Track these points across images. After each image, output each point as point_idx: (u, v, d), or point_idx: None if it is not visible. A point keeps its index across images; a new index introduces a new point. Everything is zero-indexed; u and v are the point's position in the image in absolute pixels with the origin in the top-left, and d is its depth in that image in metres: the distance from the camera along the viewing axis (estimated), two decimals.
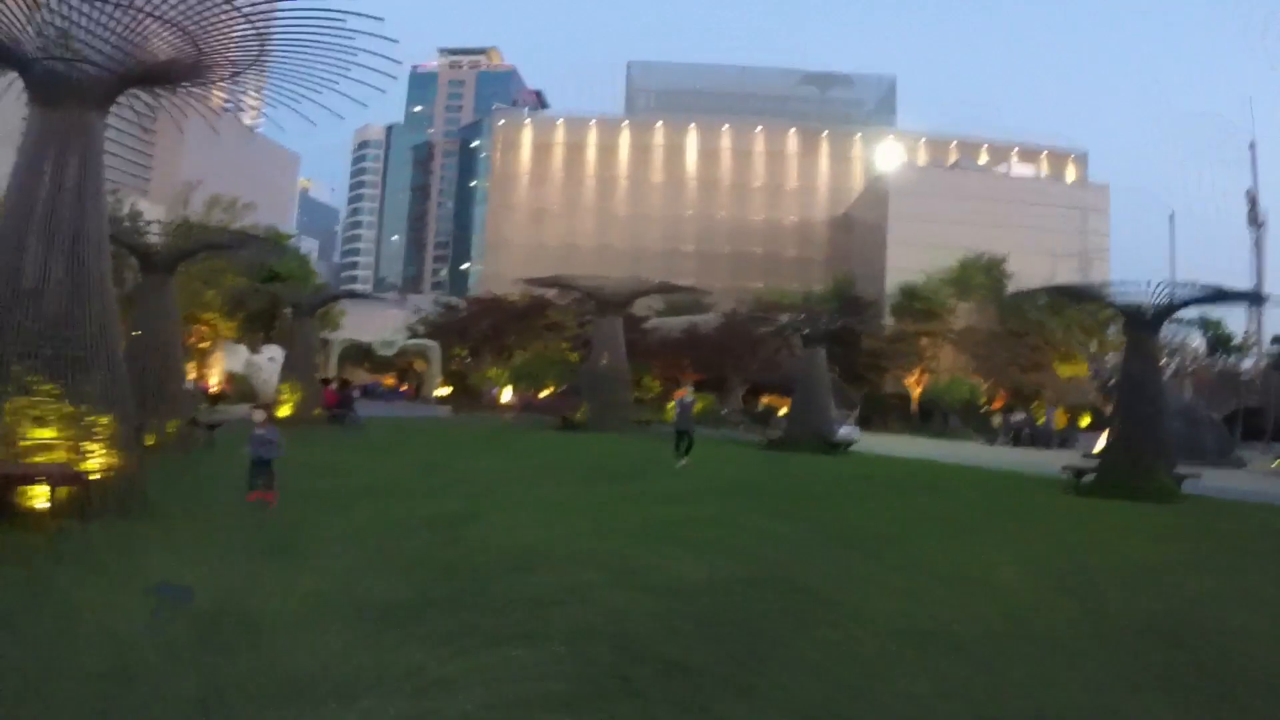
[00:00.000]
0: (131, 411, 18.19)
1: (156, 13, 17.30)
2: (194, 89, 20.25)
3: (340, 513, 17.80)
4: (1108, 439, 32.49)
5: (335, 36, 18.03)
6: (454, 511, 18.47)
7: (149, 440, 27.35)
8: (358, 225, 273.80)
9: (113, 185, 60.10)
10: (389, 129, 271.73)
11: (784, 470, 32.15)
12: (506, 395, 78.97)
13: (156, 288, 30.52)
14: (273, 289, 58.84)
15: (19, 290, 16.57)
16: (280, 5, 19.36)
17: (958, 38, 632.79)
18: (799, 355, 52.11)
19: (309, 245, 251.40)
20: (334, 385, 52.43)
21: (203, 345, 63.67)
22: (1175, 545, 19.32)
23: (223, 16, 17.96)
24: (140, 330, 29.84)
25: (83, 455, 16.45)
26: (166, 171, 77.19)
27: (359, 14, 17.20)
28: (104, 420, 16.89)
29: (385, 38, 18.13)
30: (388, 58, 18.18)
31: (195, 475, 22.85)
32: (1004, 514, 23.61)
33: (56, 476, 15.81)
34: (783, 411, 55.06)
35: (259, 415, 19.07)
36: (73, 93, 17.68)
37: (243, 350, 68.48)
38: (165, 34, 18.21)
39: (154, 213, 49.44)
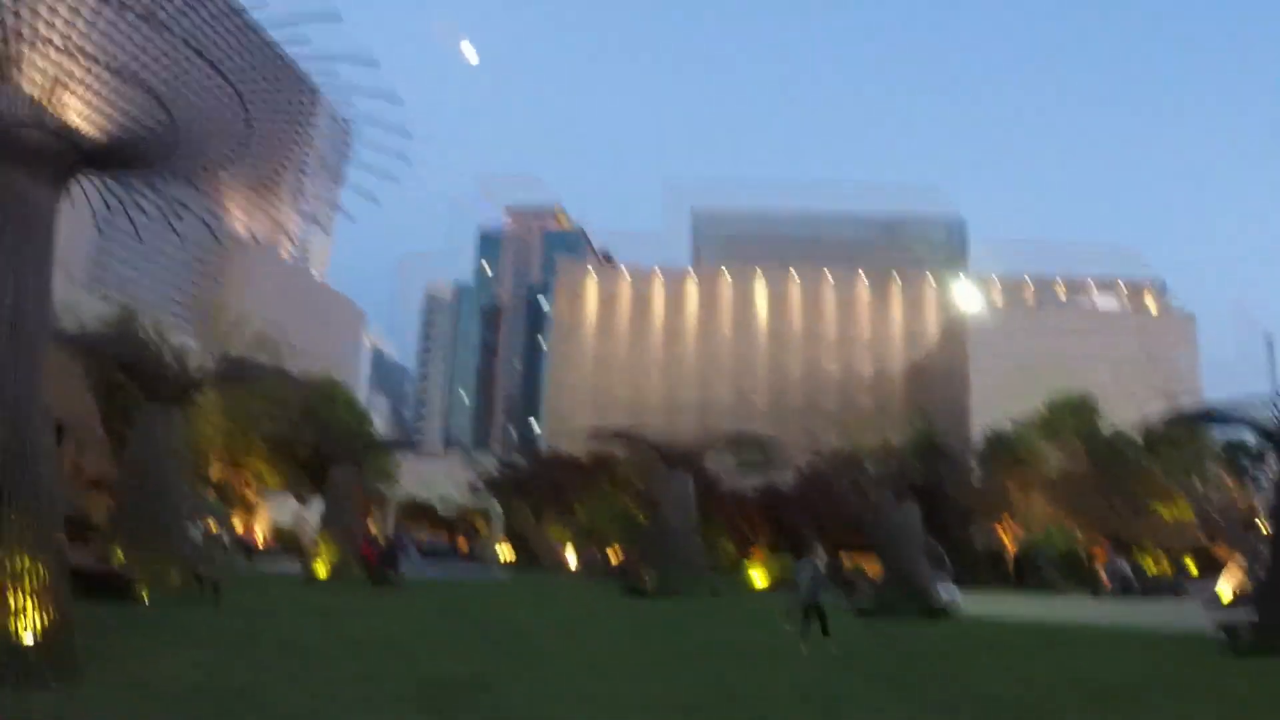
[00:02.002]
0: (62, 558, 14.38)
1: (122, 70, 14.06)
2: (170, 179, 16.80)
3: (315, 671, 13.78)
4: (1260, 583, 27.90)
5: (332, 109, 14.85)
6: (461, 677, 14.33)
7: (144, 591, 23.74)
8: (427, 383, 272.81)
9: (158, 320, 57.87)
10: (457, 287, 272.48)
11: (886, 642, 27.36)
12: (570, 556, 74.90)
13: (159, 419, 26.80)
14: (308, 438, 55.14)
15: None
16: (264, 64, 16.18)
17: (1023, 172, 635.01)
18: (886, 512, 47.87)
19: (379, 402, 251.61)
20: (375, 539, 48.49)
21: (248, 494, 60.44)
22: None
23: (201, 78, 14.61)
24: (136, 466, 26.30)
25: None
26: (230, 320, 75.17)
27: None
28: (22, 566, 13.14)
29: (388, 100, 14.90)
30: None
31: (170, 635, 18.82)
32: (1169, 691, 19.00)
33: None
34: (870, 569, 50.41)
35: None
36: (10, 155, 14.25)
37: (291, 502, 65.07)
38: (135, 103, 14.91)
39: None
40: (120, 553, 25.17)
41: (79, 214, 17.45)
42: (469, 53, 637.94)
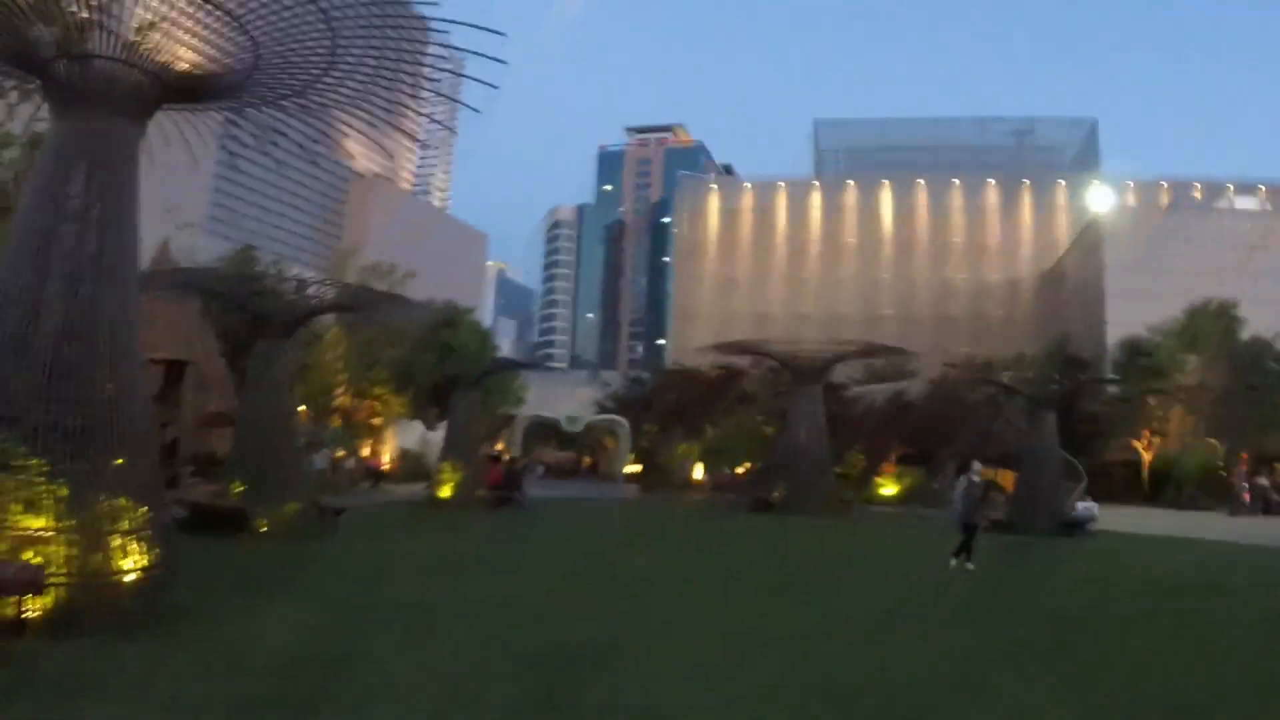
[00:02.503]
0: (159, 498, 14.10)
1: None
2: (256, 109, 16.31)
3: (427, 641, 13.18)
4: None
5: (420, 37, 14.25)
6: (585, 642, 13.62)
7: (260, 525, 23.69)
8: (553, 305, 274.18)
9: (277, 257, 58.38)
10: (580, 209, 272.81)
11: (1030, 570, 25.80)
12: (698, 473, 74.39)
13: (270, 353, 26.61)
14: (431, 363, 55.14)
15: (4, 335, 12.66)
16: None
17: (1157, 73, 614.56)
18: (1020, 424, 46.30)
19: (506, 326, 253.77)
20: (502, 462, 48.44)
21: (374, 421, 60.88)
22: None
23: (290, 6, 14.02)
24: (251, 399, 26.20)
25: (90, 552, 12.42)
26: (348, 251, 75.65)
27: None
28: (119, 507, 12.84)
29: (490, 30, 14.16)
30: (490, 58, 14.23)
31: (281, 571, 18.55)
32: None
33: (8, 581, 11.48)
34: (1003, 482, 48.99)
35: None
36: (97, 97, 13.87)
37: (417, 427, 65.39)
38: (217, 32, 14.45)
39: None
40: (237, 486, 25.10)
41: (199, 155, 17.24)
42: None
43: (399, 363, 57.54)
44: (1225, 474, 62.95)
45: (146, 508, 13.33)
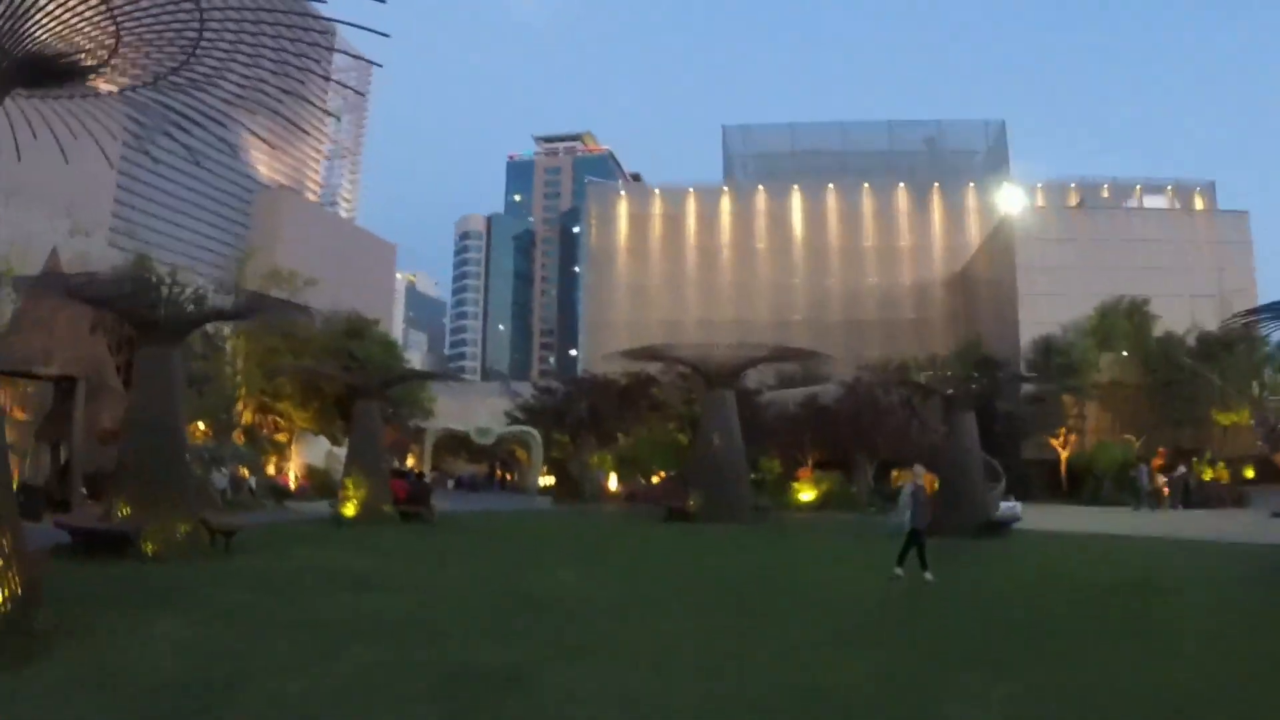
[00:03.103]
0: (13, 516, 12.67)
1: None
2: (117, 91, 14.92)
3: (319, 660, 11.90)
4: None
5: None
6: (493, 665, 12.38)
7: (148, 547, 22.15)
8: (463, 316, 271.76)
9: (174, 266, 56.33)
10: (489, 219, 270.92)
11: (965, 575, 24.71)
12: (613, 483, 73.36)
13: (157, 360, 24.87)
14: (332, 372, 53.15)
15: None
16: None
17: (1064, 78, 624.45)
18: (938, 424, 45.82)
19: (417, 339, 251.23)
20: (408, 477, 47.03)
21: (279, 437, 59.17)
22: None
23: None
24: (136, 413, 24.61)
25: None
26: (262, 262, 73.80)
27: None
28: None
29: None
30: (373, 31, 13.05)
31: (164, 594, 17.08)
32: None
33: None
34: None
35: None
36: None
37: (323, 442, 63.48)
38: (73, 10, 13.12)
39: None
40: (123, 507, 23.46)
41: (99, 170, 15.93)
42: None
43: (303, 373, 55.81)
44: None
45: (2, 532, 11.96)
